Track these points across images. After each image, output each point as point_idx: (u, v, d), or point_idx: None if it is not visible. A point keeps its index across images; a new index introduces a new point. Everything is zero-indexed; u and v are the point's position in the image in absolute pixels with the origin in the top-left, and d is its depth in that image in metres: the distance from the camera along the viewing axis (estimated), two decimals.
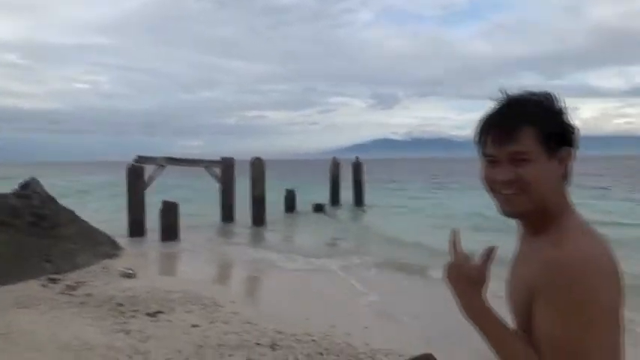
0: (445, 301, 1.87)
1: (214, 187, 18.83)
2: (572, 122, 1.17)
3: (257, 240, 15.00)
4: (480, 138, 1.18)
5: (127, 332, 5.74)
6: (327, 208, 22.66)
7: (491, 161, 1.16)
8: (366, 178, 25.74)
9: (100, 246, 10.89)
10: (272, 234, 16.18)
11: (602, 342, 1.02)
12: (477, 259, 1.17)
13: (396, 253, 12.11)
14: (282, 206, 21.69)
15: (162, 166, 15.90)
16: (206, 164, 17.54)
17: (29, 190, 10.55)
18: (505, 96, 1.18)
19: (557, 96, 1.18)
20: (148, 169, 15.71)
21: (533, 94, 1.17)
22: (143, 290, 7.75)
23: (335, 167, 24.97)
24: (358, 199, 24.65)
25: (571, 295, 1.01)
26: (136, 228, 14.68)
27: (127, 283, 8.35)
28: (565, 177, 1.17)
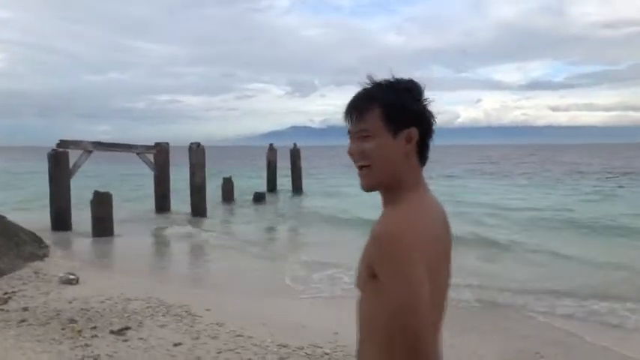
0: None
1: (144, 175, 17.15)
2: (423, 105, 1.28)
3: (203, 231, 13.70)
4: (344, 118, 1.31)
5: (96, 359, 4.53)
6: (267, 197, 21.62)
7: (350, 138, 1.30)
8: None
9: (24, 245, 9.18)
10: (218, 225, 14.92)
11: (423, 294, 1.15)
12: None
13: None
14: (218, 196, 20.36)
15: (90, 151, 14.05)
16: (139, 150, 15.82)
17: None
18: (369, 81, 1.30)
19: (419, 85, 1.29)
20: (72, 156, 13.78)
21: (392, 80, 1.29)
22: (94, 300, 6.42)
23: (272, 153, 23.93)
24: (297, 186, 23.82)
25: (384, 264, 1.16)
26: (61, 222, 12.85)
27: (71, 291, 6.93)
28: (420, 156, 1.29)
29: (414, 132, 1.25)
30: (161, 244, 11.92)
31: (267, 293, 7.51)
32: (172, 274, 9.15)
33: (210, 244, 11.82)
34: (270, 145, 24.22)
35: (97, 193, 12.42)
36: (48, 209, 13.42)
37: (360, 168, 1.27)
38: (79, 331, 5.26)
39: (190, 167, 16.20)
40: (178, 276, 9.06)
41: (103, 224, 12.24)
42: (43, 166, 13.72)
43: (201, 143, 16.41)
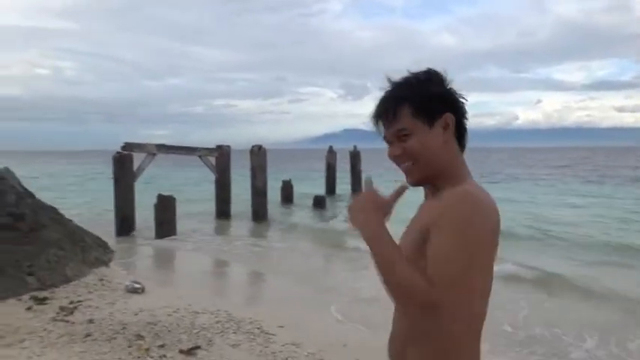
0: None
1: (204, 178, 16.95)
2: (450, 89, 1.29)
3: (265, 239, 13.27)
4: (375, 126, 1.33)
5: None
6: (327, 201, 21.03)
7: (387, 142, 1.32)
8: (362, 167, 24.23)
9: (90, 250, 8.98)
10: (281, 232, 14.47)
11: (481, 264, 1.17)
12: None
13: None
14: (277, 200, 19.98)
15: (153, 154, 13.95)
16: (201, 152, 15.64)
17: (2, 183, 8.56)
18: (388, 83, 1.31)
19: (438, 71, 1.29)
20: (137, 159, 13.73)
21: (411, 74, 1.30)
22: (161, 312, 6.00)
23: (331, 156, 23.36)
24: (356, 190, 23.10)
25: (462, 224, 1.14)
26: (126, 226, 12.76)
27: (137, 301, 6.57)
28: (459, 139, 1.30)
29: (449, 117, 1.26)
30: (223, 251, 11.52)
31: (343, 309, 6.86)
32: (237, 285, 8.69)
33: (274, 253, 11.32)
34: (330, 147, 23.66)
35: (160, 197, 12.26)
36: (111, 212, 13.45)
37: (405, 166, 1.28)
38: (147, 350, 4.81)
39: (252, 170, 15.85)
40: (243, 287, 8.59)
41: (166, 228, 12.05)
42: (107, 169, 13.74)
43: (249, 147, 15.96)
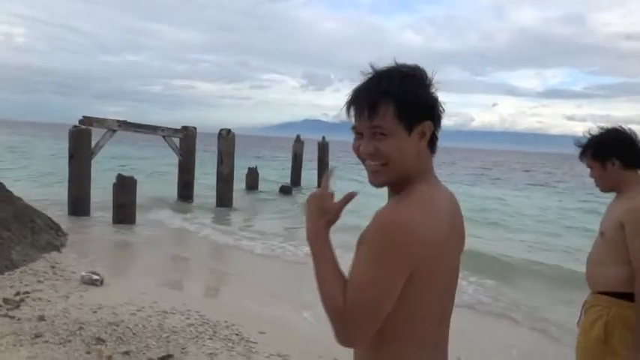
0: None
1: (161, 159, 16.03)
2: (435, 96, 1.22)
3: (232, 225, 12.56)
4: (347, 111, 1.24)
5: None
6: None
7: (356, 133, 1.24)
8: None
9: (40, 233, 8.09)
10: (247, 217, 13.79)
11: (388, 288, 1.15)
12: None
13: None
14: (242, 185, 19.24)
15: (114, 130, 12.96)
16: (165, 132, 14.72)
17: None
18: (373, 70, 1.22)
19: (424, 70, 1.22)
20: (95, 134, 12.71)
21: (400, 67, 1.21)
22: (124, 310, 5.29)
23: (298, 145, 22.75)
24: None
25: (381, 248, 1.15)
26: (80, 206, 11.77)
27: (95, 295, 5.82)
28: (431, 148, 1.26)
29: (427, 127, 1.22)
30: (188, 239, 10.77)
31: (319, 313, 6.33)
32: (204, 279, 8.00)
33: (240, 242, 10.66)
34: (297, 136, 23.03)
35: (120, 177, 11.34)
36: (63, 190, 12.41)
37: (373, 164, 1.23)
38: (109, 357, 4.13)
39: (218, 155, 15.07)
40: (211, 282, 7.92)
41: (125, 211, 11.17)
42: (60, 144, 12.65)
43: (216, 130, 15.20)
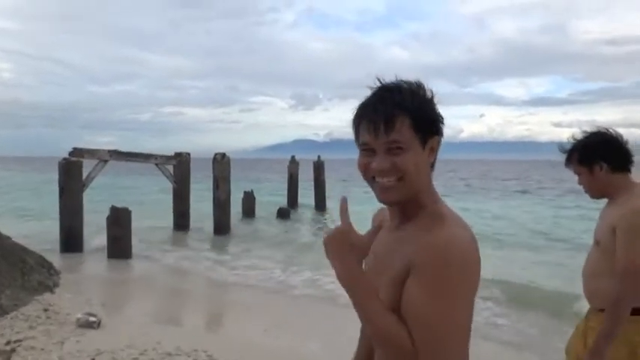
0: None
1: (157, 188, 15.58)
2: (440, 112, 1.21)
3: (232, 254, 12.12)
4: (356, 127, 1.19)
5: None
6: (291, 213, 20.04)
7: (366, 149, 1.18)
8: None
9: (32, 273, 7.65)
10: (246, 245, 13.35)
11: (465, 323, 1.10)
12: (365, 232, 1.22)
13: None
14: (238, 212, 18.79)
15: (105, 160, 12.57)
16: (158, 160, 14.34)
17: None
18: (380, 84, 1.20)
19: (427, 85, 1.20)
20: (86, 166, 12.31)
21: (406, 82, 1.19)
22: (126, 356, 4.86)
23: (293, 166, 22.43)
24: (320, 203, 22.22)
25: (446, 276, 1.06)
26: (73, 242, 11.31)
27: (93, 339, 5.38)
28: (432, 164, 1.22)
29: (437, 142, 1.20)
30: (188, 272, 10.27)
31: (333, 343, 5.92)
32: (209, 314, 7.58)
33: (240, 273, 10.21)
34: (292, 157, 22.73)
35: (114, 209, 10.91)
36: (54, 226, 11.94)
37: (386, 181, 1.16)
38: None
39: (214, 180, 14.70)
40: (216, 317, 7.48)
41: (120, 245, 10.72)
42: (50, 178, 12.22)
43: (206, 155, 14.92)
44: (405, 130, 1.14)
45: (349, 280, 1.14)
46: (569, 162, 2.47)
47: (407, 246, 1.14)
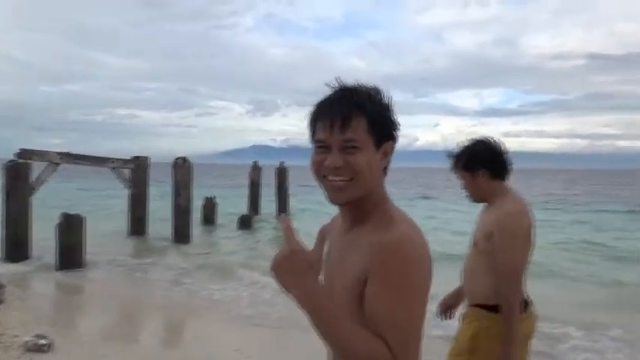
0: None
1: (110, 191, 14.70)
2: (396, 118, 1.22)
3: (193, 264, 11.49)
4: (312, 124, 1.20)
5: None
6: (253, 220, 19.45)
7: (321, 147, 1.18)
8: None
9: None
10: (207, 253, 12.74)
11: (422, 321, 1.12)
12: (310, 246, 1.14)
13: None
14: (197, 217, 18.05)
15: (56, 163, 11.71)
16: (114, 164, 13.55)
17: None
18: (339, 84, 1.21)
19: (385, 92, 1.22)
20: (36, 169, 11.43)
21: (365, 86, 1.21)
22: None
23: (255, 172, 21.90)
24: (283, 209, 21.72)
25: (405, 276, 1.07)
26: (19, 250, 10.43)
27: None
28: (385, 169, 1.24)
29: (391, 146, 1.23)
30: (145, 283, 9.60)
31: None
32: (171, 328, 7.01)
33: (201, 285, 9.63)
34: (254, 162, 22.19)
35: (65, 216, 10.11)
36: None
37: (338, 180, 1.17)
38: None
39: (174, 186, 14.00)
40: (177, 330, 6.93)
41: (71, 255, 9.93)
42: None
43: (161, 159, 14.30)
44: (361, 131, 1.15)
45: (312, 304, 1.07)
46: (454, 167, 2.62)
47: (359, 250, 1.14)
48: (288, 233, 1.13)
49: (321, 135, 1.17)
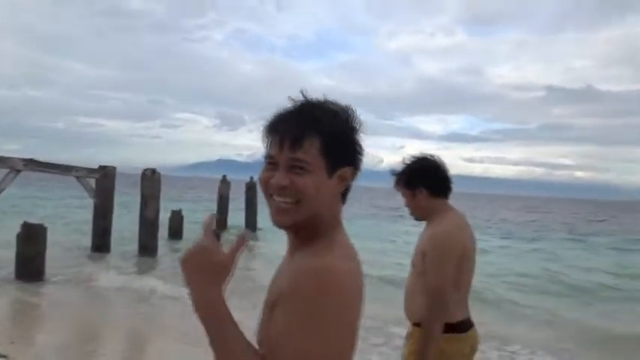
0: None
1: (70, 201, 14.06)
2: (361, 143, 1.14)
3: (158, 278, 11.08)
4: (266, 137, 1.13)
5: None
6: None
7: (270, 163, 1.11)
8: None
9: None
10: (174, 268, 12.32)
11: (334, 356, 0.99)
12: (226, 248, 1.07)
13: None
14: (163, 231, 17.57)
15: (18, 170, 11.19)
16: (80, 172, 13.05)
17: None
18: (302, 99, 1.13)
19: (355, 113, 1.14)
20: None
21: (331, 104, 1.13)
22: None
23: (224, 187, 21.58)
24: (251, 224, 21.42)
25: (314, 306, 0.98)
26: None
27: None
28: (343, 195, 1.16)
29: (349, 172, 1.13)
30: (110, 297, 9.19)
31: None
32: (134, 344, 6.66)
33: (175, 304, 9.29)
34: (224, 177, 21.89)
35: (26, 226, 9.63)
36: None
37: (282, 201, 1.09)
38: None
39: (142, 198, 13.59)
40: (140, 346, 6.61)
41: (31, 266, 9.44)
42: None
43: (124, 170, 13.88)
44: (313, 152, 1.07)
45: (204, 310, 1.01)
46: (397, 185, 2.61)
47: (288, 274, 1.07)
48: (207, 229, 1.07)
49: (271, 151, 1.10)
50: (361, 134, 1.14)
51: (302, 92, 1.13)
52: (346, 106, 1.13)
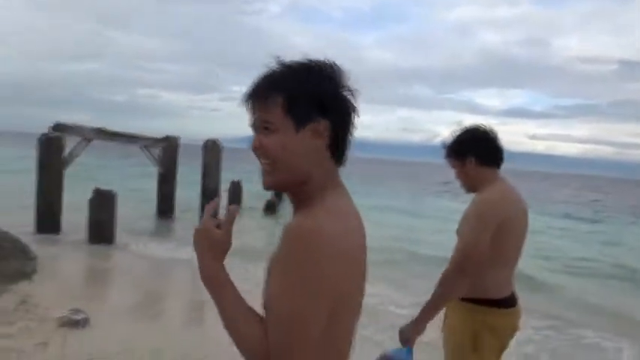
0: None
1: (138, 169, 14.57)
2: (339, 93, 1.10)
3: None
4: (245, 105, 1.14)
5: None
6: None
7: (253, 128, 1.13)
8: None
9: (8, 258, 6.83)
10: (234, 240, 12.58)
11: (321, 319, 1.00)
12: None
13: None
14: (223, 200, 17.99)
15: (89, 139, 11.69)
16: (146, 142, 13.50)
17: None
18: (275, 62, 1.12)
19: (340, 69, 1.12)
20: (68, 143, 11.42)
21: (300, 61, 1.11)
22: None
23: None
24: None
25: (299, 268, 0.99)
26: (50, 222, 10.44)
27: (80, 340, 4.66)
28: (332, 151, 1.12)
29: (322, 126, 1.09)
30: (174, 264, 9.53)
31: None
32: (207, 309, 6.87)
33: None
34: None
35: (97, 192, 10.07)
36: (27, 205, 10.98)
37: (264, 163, 1.10)
38: None
39: (203, 168, 13.95)
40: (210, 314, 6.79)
41: (102, 230, 9.90)
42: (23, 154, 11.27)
43: (185, 141, 14.11)
44: (276, 111, 1.07)
45: (208, 280, 1.10)
46: (446, 156, 2.53)
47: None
48: (207, 213, 1.14)
49: (249, 116, 1.13)
50: (350, 90, 1.11)
51: (276, 57, 1.12)
52: (325, 62, 1.11)
